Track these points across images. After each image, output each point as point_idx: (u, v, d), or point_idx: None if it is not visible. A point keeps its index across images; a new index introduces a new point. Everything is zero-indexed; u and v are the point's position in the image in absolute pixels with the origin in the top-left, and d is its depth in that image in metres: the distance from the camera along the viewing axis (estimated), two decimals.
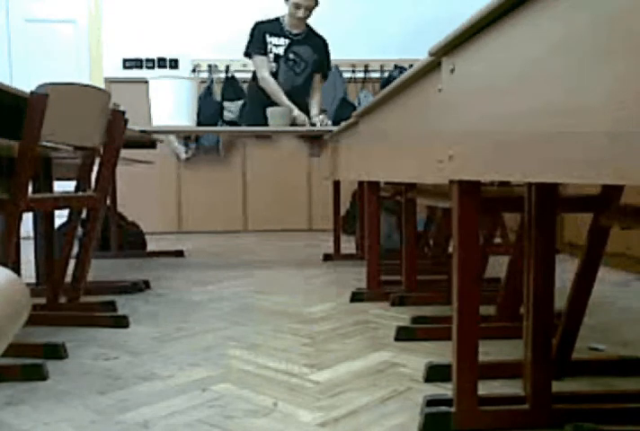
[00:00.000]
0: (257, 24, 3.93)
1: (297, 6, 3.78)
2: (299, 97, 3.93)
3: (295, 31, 3.92)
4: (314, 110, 3.98)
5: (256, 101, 3.97)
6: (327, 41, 4.01)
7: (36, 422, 1.28)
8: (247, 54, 3.96)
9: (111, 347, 1.85)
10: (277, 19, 3.93)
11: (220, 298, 2.57)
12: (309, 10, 3.82)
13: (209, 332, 2.01)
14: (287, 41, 3.91)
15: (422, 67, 1.32)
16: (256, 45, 3.90)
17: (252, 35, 3.92)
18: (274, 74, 3.90)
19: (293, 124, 3.69)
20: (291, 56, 3.91)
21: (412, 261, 2.38)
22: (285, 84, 3.91)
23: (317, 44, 3.98)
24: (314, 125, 3.75)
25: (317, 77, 4.06)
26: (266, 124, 3.61)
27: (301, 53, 3.93)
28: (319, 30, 4.03)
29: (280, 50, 3.91)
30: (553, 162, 0.75)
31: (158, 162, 4.95)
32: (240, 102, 4.81)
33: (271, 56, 3.91)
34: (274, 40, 3.90)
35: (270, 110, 3.61)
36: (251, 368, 1.63)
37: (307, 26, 3.96)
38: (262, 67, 3.90)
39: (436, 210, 3.02)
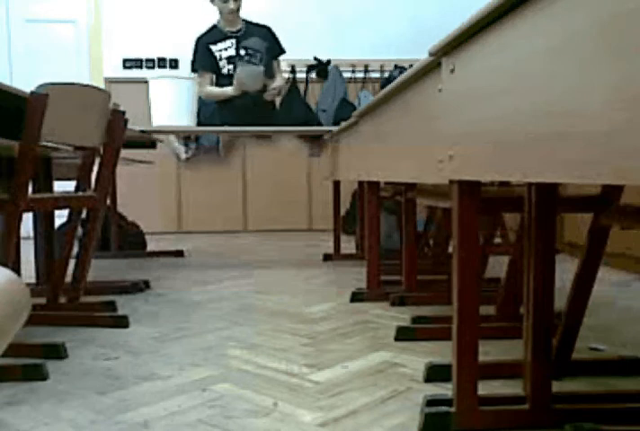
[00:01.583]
0: (198, 39, 3.94)
1: (225, 0, 3.78)
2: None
3: (235, 29, 3.92)
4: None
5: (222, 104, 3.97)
6: (269, 26, 3.99)
7: (36, 422, 1.28)
8: (194, 70, 3.99)
9: (111, 347, 1.85)
10: (214, 26, 3.95)
11: (220, 298, 2.57)
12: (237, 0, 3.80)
13: (209, 332, 2.01)
14: (233, 41, 3.92)
15: (422, 67, 1.32)
16: (200, 60, 3.93)
17: (195, 51, 3.93)
18: (232, 75, 3.87)
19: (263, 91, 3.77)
20: (242, 51, 3.91)
21: (412, 261, 2.38)
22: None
23: (262, 32, 3.97)
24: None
25: (274, 63, 4.03)
26: (240, 120, 3.65)
27: (251, 45, 3.92)
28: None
29: (231, 51, 3.91)
30: (553, 162, 0.75)
31: (158, 162, 4.95)
32: None
33: (224, 61, 3.91)
34: (220, 46, 3.91)
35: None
36: (251, 368, 1.63)
37: (244, 21, 3.96)
38: (203, 83, 3.94)
39: (436, 210, 3.02)
